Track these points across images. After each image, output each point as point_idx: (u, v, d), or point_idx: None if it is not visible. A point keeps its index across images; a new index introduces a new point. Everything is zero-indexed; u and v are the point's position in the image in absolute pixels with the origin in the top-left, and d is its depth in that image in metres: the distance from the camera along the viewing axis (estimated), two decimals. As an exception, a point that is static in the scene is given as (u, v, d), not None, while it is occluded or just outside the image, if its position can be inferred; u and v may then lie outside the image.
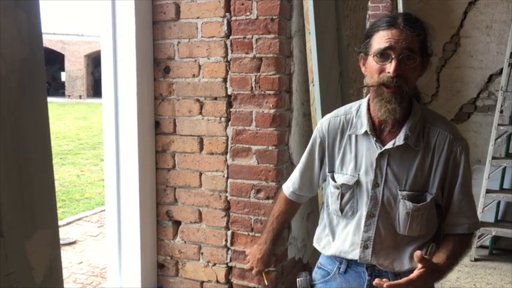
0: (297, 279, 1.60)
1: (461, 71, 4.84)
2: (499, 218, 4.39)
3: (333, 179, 1.49)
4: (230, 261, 2.20)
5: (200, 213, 2.24)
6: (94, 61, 27.99)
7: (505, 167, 4.23)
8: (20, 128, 0.92)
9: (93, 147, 10.98)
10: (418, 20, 1.36)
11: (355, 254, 1.45)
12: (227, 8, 2.08)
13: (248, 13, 2.05)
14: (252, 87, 2.08)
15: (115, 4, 2.13)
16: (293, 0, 2.13)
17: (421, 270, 1.23)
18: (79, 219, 5.49)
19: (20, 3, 0.92)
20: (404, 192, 1.38)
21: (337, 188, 1.47)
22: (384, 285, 1.21)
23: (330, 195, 1.50)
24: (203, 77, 2.16)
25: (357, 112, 1.47)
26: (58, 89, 29.58)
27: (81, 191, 6.96)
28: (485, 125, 4.75)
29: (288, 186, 1.66)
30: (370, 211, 1.42)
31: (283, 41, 2.06)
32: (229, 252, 2.20)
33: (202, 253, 2.25)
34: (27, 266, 0.93)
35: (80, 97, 27.32)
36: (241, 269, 2.17)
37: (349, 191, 1.45)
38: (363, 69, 1.43)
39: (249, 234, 2.14)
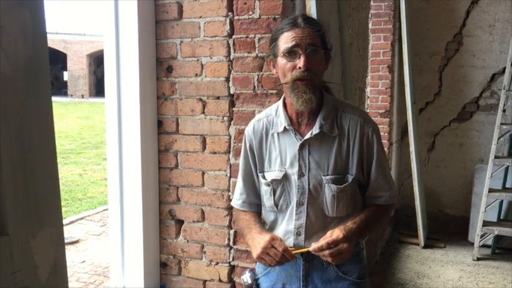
0: (242, 277, 1.64)
1: (464, 70, 4.83)
2: (501, 217, 4.39)
3: (264, 178, 1.57)
4: (233, 260, 2.21)
5: (203, 212, 2.24)
6: (96, 60, 28.01)
7: (508, 166, 4.23)
8: (25, 127, 0.92)
9: (96, 146, 11.01)
10: (314, 18, 1.54)
11: (289, 242, 1.52)
12: (230, 7, 2.09)
13: (251, 12, 2.05)
14: (254, 87, 2.08)
15: (118, 4, 2.13)
16: (295, 0, 2.13)
17: (335, 235, 1.40)
18: (82, 219, 5.51)
19: (25, 3, 0.93)
20: (328, 177, 1.48)
21: (268, 185, 1.55)
22: (310, 249, 1.41)
23: (264, 194, 1.58)
24: (206, 77, 2.17)
25: (276, 112, 1.57)
26: (60, 88, 29.58)
27: (83, 190, 6.98)
28: (487, 124, 4.75)
29: (237, 199, 1.67)
30: (299, 200, 1.51)
31: (286, 40, 2.06)
32: (232, 251, 2.20)
33: (204, 252, 2.26)
34: (32, 265, 0.94)
35: (83, 96, 27.35)
36: (243, 267, 2.17)
37: (280, 185, 1.53)
38: (273, 71, 1.53)
39: (251, 233, 2.15)
